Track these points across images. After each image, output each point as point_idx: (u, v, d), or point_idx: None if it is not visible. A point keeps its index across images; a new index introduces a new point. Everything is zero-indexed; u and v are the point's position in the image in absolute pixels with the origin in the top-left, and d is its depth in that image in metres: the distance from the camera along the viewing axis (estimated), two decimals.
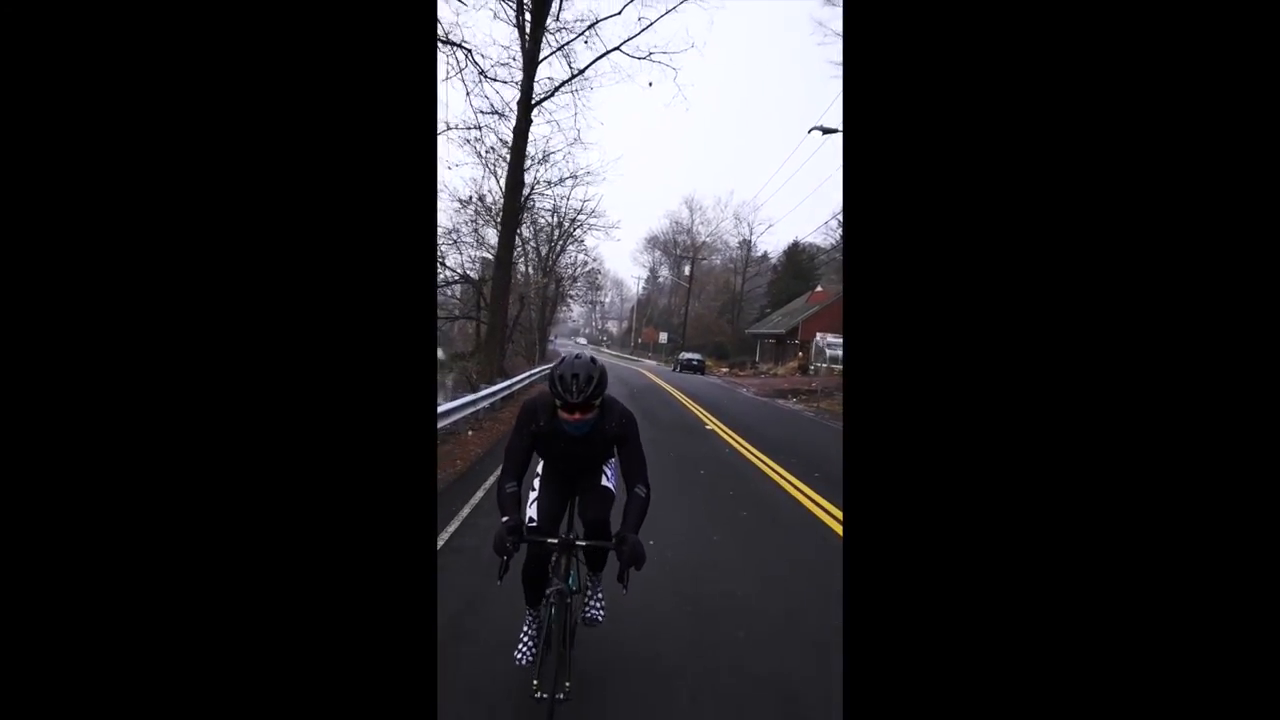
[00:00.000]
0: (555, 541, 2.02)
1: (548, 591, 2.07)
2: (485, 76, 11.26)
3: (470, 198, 15.63)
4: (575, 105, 19.71)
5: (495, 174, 13.90)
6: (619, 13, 11.81)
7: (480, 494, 4.88)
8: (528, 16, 11.31)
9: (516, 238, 14.64)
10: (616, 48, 12.01)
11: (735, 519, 4.53)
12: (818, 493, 5.32)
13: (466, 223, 16.45)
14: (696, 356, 30.30)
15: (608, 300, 57.01)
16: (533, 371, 15.43)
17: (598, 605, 2.44)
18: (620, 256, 76.07)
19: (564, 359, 1.96)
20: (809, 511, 4.82)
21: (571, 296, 27.98)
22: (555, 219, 20.08)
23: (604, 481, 2.26)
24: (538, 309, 23.32)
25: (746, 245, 43.59)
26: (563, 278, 24.08)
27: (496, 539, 1.86)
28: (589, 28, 11.62)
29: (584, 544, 2.06)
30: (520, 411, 2.10)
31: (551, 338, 31.84)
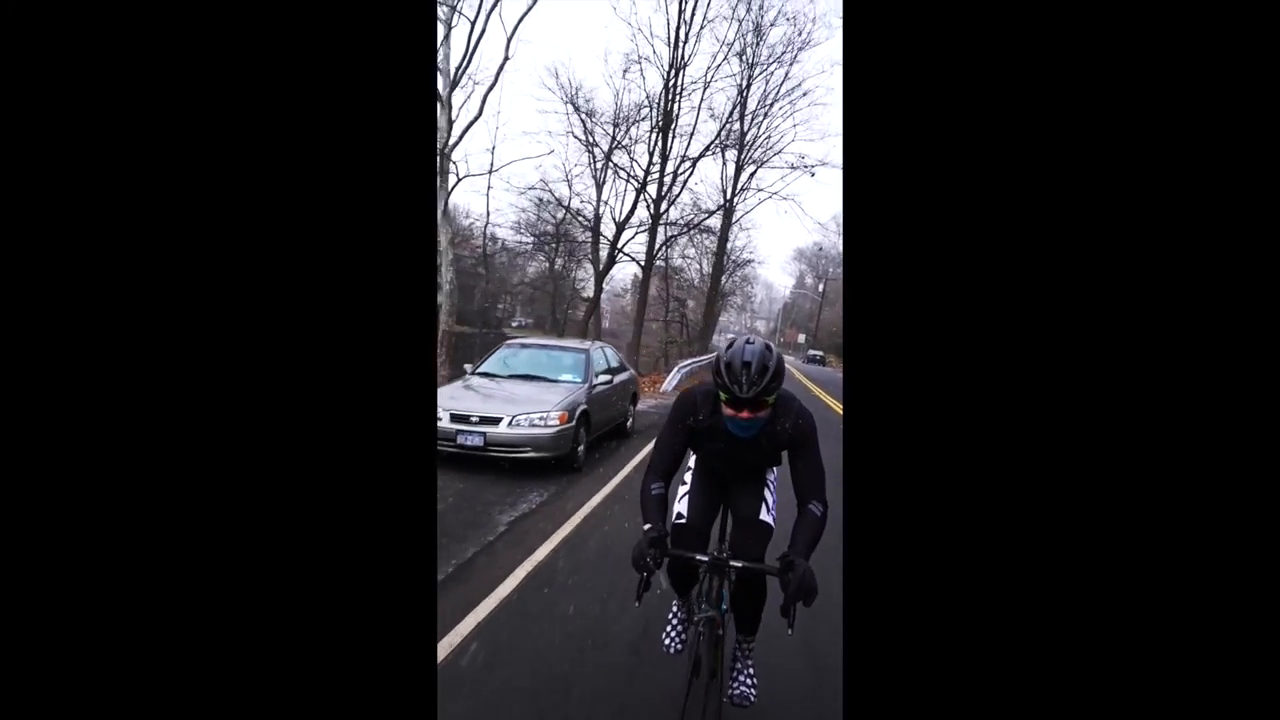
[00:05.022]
0: (705, 559, 1.67)
1: (696, 618, 1.77)
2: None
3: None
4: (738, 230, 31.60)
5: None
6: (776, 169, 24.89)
7: None
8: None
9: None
10: (773, 194, 25.19)
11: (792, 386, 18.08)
12: (818, 387, 18.50)
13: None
14: (819, 353, 43.08)
15: (757, 301, 67.31)
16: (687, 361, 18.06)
17: (748, 680, 1.92)
18: (772, 264, 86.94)
19: (733, 342, 1.60)
20: (810, 390, 17.91)
21: (730, 305, 40.52)
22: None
23: (763, 515, 1.85)
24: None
25: None
26: (723, 291, 36.76)
27: (636, 552, 1.54)
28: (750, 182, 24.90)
29: (739, 565, 1.67)
30: (677, 400, 1.77)
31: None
